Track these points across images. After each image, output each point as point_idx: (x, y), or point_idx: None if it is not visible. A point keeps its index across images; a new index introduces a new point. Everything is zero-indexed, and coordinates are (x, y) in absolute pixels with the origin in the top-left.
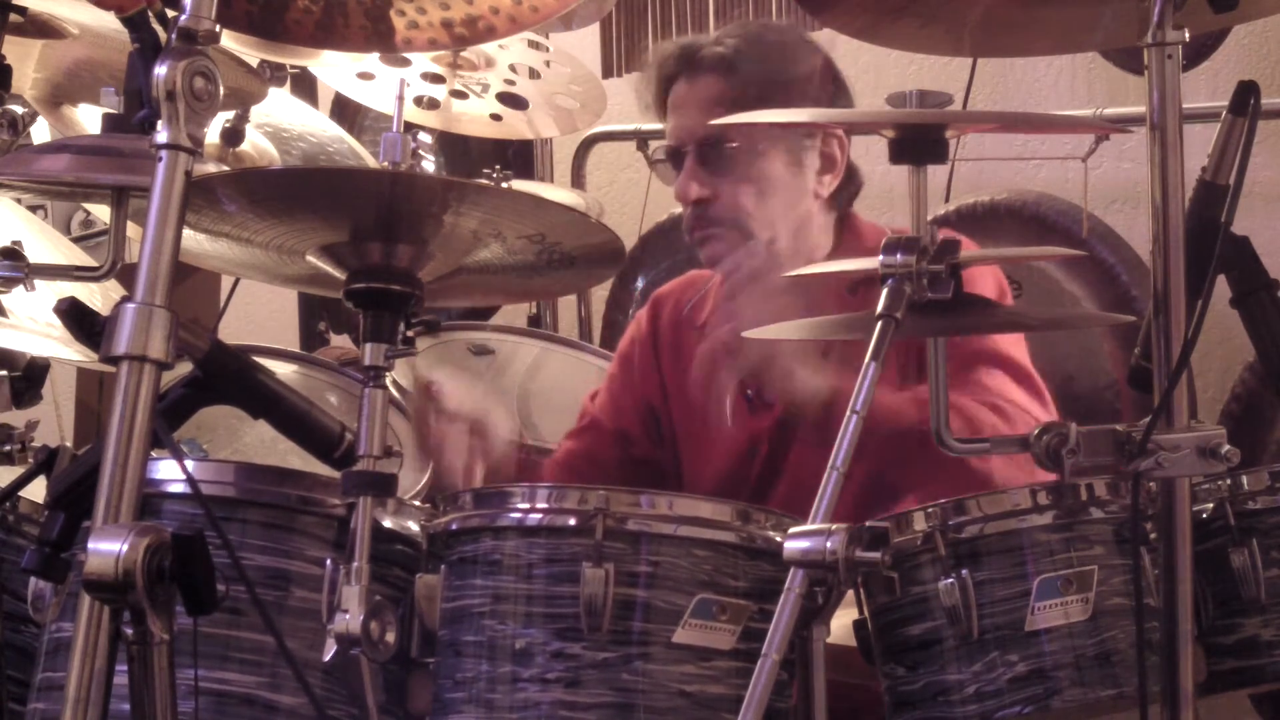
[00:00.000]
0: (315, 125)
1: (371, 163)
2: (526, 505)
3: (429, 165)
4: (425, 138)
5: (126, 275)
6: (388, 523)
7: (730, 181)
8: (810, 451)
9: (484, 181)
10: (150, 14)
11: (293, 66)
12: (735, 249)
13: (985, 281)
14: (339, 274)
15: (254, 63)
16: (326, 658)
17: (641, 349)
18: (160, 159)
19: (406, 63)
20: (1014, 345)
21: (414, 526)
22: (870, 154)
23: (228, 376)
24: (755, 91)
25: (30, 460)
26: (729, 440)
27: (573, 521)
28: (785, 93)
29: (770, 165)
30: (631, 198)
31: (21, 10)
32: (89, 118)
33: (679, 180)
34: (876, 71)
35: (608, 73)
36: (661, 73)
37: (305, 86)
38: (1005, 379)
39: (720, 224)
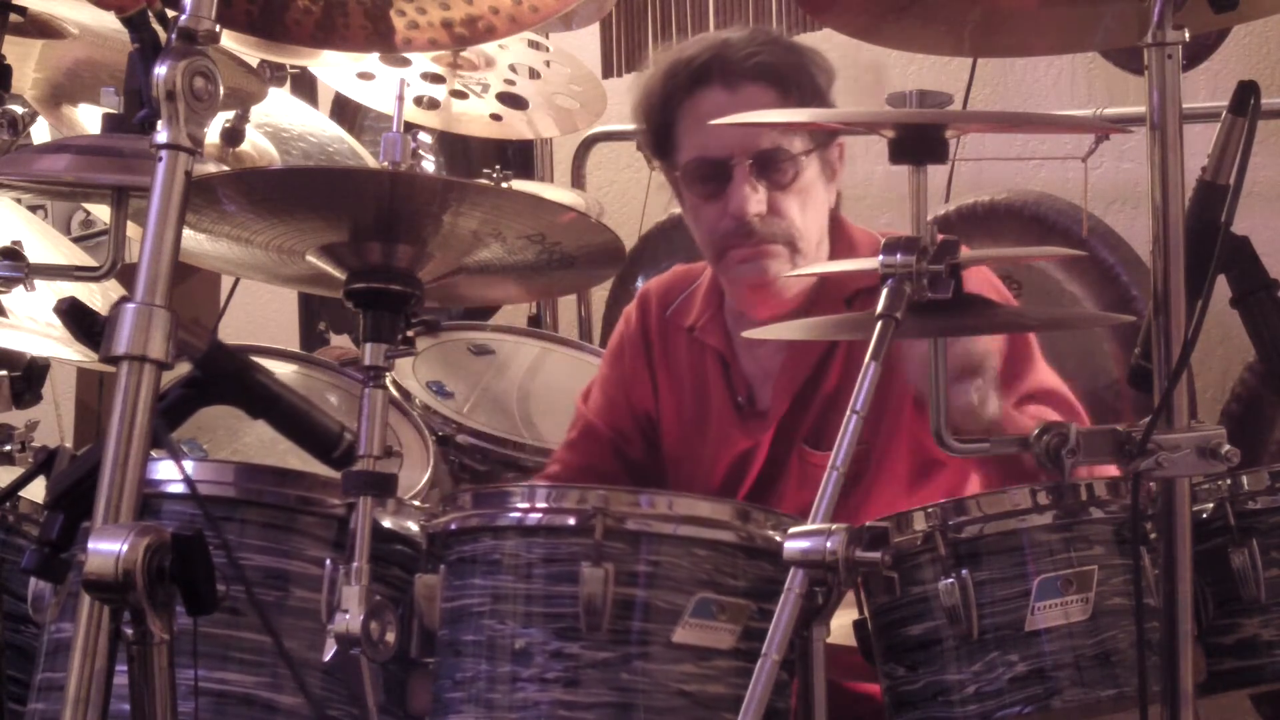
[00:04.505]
0: (315, 125)
1: (371, 163)
2: (526, 505)
3: (429, 165)
4: (425, 138)
5: (126, 275)
6: (387, 523)
7: (783, 195)
8: (817, 457)
9: (484, 181)
10: (150, 14)
11: (293, 66)
12: (787, 265)
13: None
14: (339, 274)
15: (254, 63)
16: (326, 658)
17: (632, 348)
18: (160, 159)
19: (406, 63)
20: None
21: (413, 526)
22: (870, 154)
23: (227, 376)
24: (804, 103)
25: (30, 460)
26: (720, 450)
27: (572, 521)
28: (823, 102)
29: (810, 176)
30: (631, 198)
31: (21, 10)
32: (89, 118)
33: (734, 194)
34: (876, 71)
35: (608, 73)
36: (678, 80)
37: (305, 86)
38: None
39: (775, 239)
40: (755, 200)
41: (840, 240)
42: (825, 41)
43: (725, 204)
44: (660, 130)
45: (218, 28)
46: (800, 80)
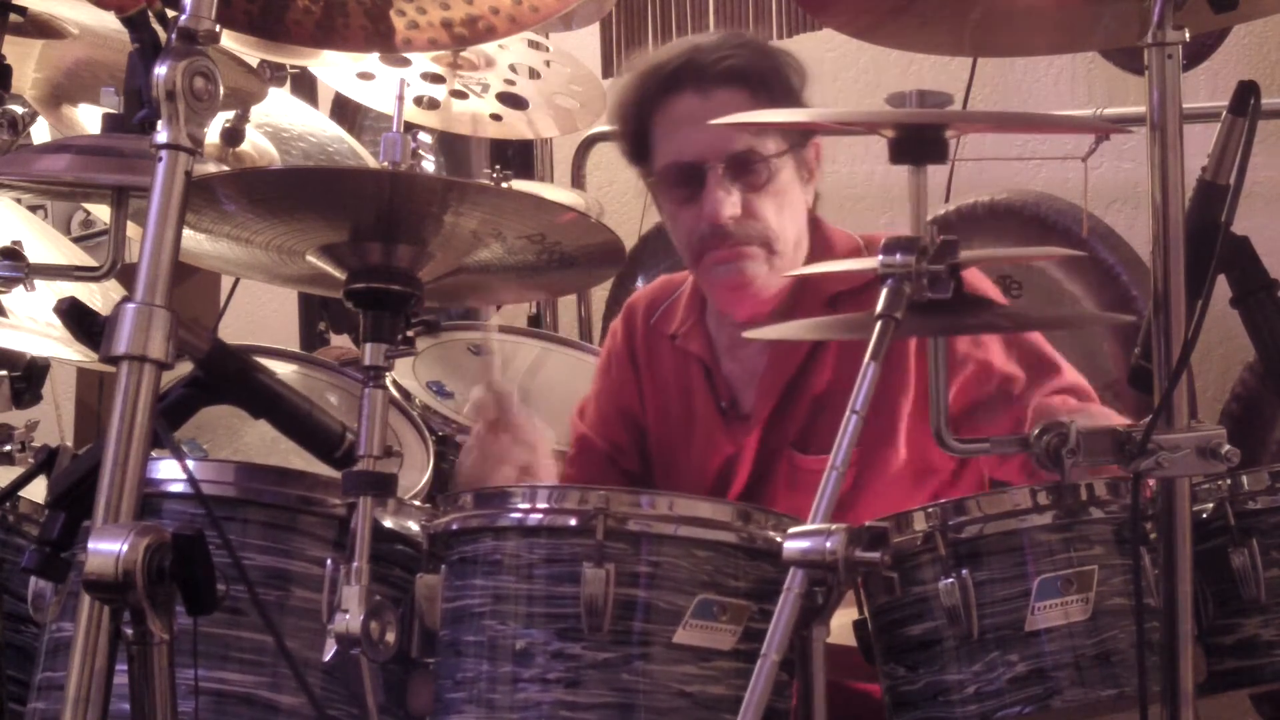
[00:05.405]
0: (315, 125)
1: (371, 163)
2: (527, 505)
3: (429, 165)
4: (425, 138)
5: (126, 275)
6: (388, 523)
7: (757, 197)
8: (805, 461)
9: (484, 181)
10: (150, 14)
11: (293, 66)
12: (764, 267)
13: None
14: (339, 274)
15: (254, 63)
16: (326, 658)
17: (619, 361)
18: (160, 159)
19: (406, 63)
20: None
21: (414, 526)
22: (870, 154)
23: (228, 376)
24: (776, 104)
25: (30, 460)
26: (706, 455)
27: (573, 522)
28: (796, 104)
29: (786, 177)
30: (631, 198)
31: (21, 10)
32: (89, 118)
33: (708, 198)
34: (876, 71)
35: (608, 73)
36: (650, 87)
37: (305, 86)
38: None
39: (751, 241)
40: (729, 203)
41: (817, 241)
42: (825, 42)
43: (700, 208)
44: (636, 137)
45: (218, 28)
46: (771, 81)
